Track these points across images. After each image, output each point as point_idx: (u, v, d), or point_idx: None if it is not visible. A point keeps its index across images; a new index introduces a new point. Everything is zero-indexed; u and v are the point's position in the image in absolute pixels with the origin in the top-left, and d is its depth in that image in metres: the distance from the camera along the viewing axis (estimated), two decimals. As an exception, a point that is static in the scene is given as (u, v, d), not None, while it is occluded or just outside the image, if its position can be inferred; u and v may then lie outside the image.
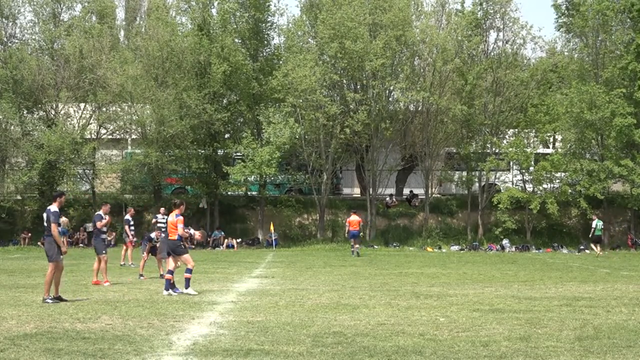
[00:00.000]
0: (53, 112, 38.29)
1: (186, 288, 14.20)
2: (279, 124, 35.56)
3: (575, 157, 37.14)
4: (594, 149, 38.38)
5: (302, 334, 9.38)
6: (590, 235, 33.28)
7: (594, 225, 32.52)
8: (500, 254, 34.28)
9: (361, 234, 30.92)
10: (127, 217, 22.96)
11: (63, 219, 36.44)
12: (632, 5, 36.98)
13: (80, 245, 35.55)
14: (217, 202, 38.90)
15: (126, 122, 38.02)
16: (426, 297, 13.85)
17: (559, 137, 41.97)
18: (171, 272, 14.54)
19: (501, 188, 39.20)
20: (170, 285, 14.52)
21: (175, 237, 14.57)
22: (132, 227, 22.87)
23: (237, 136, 38.36)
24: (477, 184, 39.71)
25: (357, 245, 30.18)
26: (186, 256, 14.58)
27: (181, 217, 14.79)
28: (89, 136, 38.31)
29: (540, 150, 40.20)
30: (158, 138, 35.92)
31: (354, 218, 30.04)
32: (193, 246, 22.04)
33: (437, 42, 37.18)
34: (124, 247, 23.66)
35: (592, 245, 32.90)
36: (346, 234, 31.38)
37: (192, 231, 15.07)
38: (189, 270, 14.36)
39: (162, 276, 17.69)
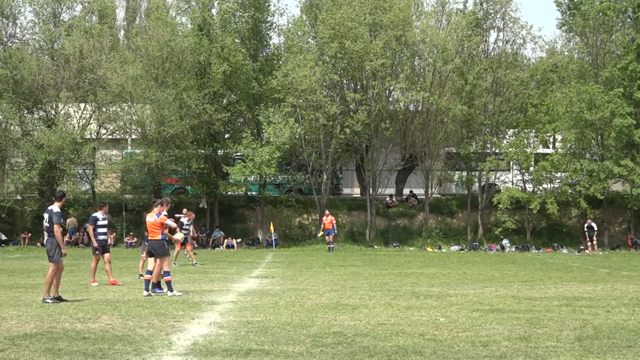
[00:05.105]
0: (53, 112, 38.28)
1: (170, 291, 14.11)
2: (279, 124, 35.55)
3: (575, 157, 37.13)
4: (593, 149, 38.37)
5: (302, 334, 9.38)
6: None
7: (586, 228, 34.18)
8: (500, 254, 34.28)
9: (335, 231, 33.92)
10: (184, 219, 23.37)
11: (71, 219, 36.52)
12: (638, 5, 36.99)
13: (80, 245, 35.55)
14: (217, 202, 38.90)
15: (126, 122, 38.02)
16: (426, 297, 13.85)
17: (558, 137, 41.96)
18: (150, 272, 14.52)
19: (501, 188, 39.21)
20: (155, 285, 14.55)
21: (159, 237, 14.46)
22: (186, 228, 23.29)
23: (237, 136, 38.36)
24: (477, 184, 39.72)
25: (332, 242, 33.25)
26: (167, 258, 14.51)
27: (163, 216, 14.60)
28: (89, 136, 38.30)
29: (540, 150, 40.20)
30: (158, 138, 35.92)
31: (329, 217, 33.53)
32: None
33: (437, 42, 37.18)
34: (185, 247, 23.73)
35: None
36: (321, 231, 34.03)
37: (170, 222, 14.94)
38: (167, 273, 14.26)
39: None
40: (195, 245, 31.94)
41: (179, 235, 15.81)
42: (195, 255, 24.30)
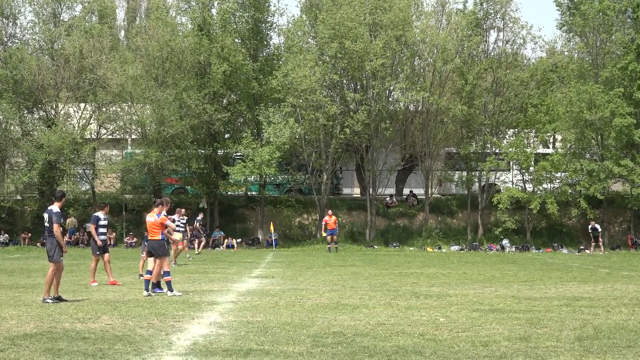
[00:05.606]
0: (53, 112, 38.28)
1: (170, 291, 14.13)
2: (279, 124, 35.56)
3: (575, 157, 37.14)
4: (593, 149, 38.37)
5: (302, 334, 9.38)
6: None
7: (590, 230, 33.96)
8: (500, 254, 34.28)
9: (337, 231, 33.76)
10: (174, 216, 23.43)
11: (71, 219, 36.54)
12: (638, 5, 37.02)
13: (81, 245, 35.55)
14: (217, 202, 38.91)
15: (126, 122, 38.02)
16: (426, 297, 13.84)
17: (559, 137, 41.97)
18: (150, 272, 14.53)
19: (501, 188, 39.21)
20: (155, 285, 14.55)
21: (159, 237, 14.47)
22: (179, 225, 23.53)
23: (237, 136, 38.37)
24: (477, 184, 39.71)
25: (334, 242, 32.87)
26: (167, 258, 14.51)
27: (163, 216, 14.64)
28: (89, 136, 38.30)
29: (540, 150, 40.20)
30: (158, 138, 35.92)
31: (332, 217, 33.28)
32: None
33: (437, 42, 37.18)
34: (173, 248, 23.86)
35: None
36: (323, 232, 33.44)
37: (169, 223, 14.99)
38: (167, 273, 14.27)
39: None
40: (191, 246, 31.96)
41: (177, 235, 15.81)
42: (190, 252, 24.29)
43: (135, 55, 38.13)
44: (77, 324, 10.16)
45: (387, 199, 40.32)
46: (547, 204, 35.95)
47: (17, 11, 39.75)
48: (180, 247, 23.73)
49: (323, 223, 33.58)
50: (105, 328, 9.77)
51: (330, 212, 33.74)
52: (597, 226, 33.75)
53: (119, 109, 37.77)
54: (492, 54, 39.97)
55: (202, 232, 32.00)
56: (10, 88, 37.15)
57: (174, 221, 22.87)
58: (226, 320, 10.59)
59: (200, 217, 32.26)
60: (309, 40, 39.51)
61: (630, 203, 36.96)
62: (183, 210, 25.98)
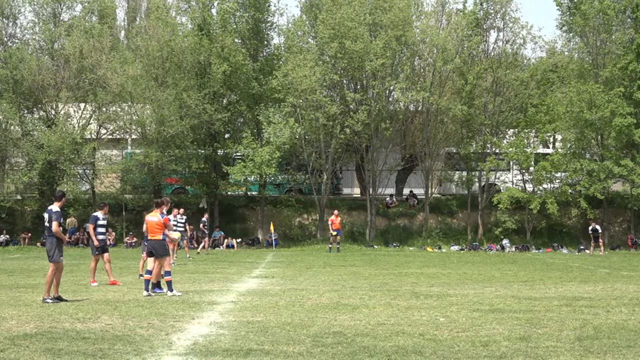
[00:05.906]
0: (53, 112, 38.28)
1: (170, 291, 14.13)
2: (279, 124, 35.57)
3: (575, 157, 37.15)
4: (593, 149, 38.40)
5: (302, 334, 9.38)
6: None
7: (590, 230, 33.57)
8: (500, 254, 34.29)
9: (341, 232, 33.92)
10: (170, 216, 23.44)
11: (71, 219, 36.54)
12: (638, 5, 37.05)
13: (81, 245, 35.55)
14: (217, 202, 38.91)
15: (126, 122, 38.01)
16: (426, 297, 13.84)
17: (559, 137, 41.98)
18: (150, 272, 14.52)
19: (501, 188, 39.22)
20: (154, 285, 14.55)
21: (160, 236, 14.47)
22: (179, 225, 23.99)
23: (237, 136, 38.39)
24: (477, 184, 39.72)
25: (337, 243, 32.95)
26: (168, 258, 14.51)
27: (166, 217, 14.67)
28: (89, 136, 38.30)
29: (540, 150, 40.21)
30: (158, 138, 35.92)
31: (338, 218, 33.25)
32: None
33: (437, 42, 37.19)
34: (172, 247, 23.92)
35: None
36: (332, 231, 33.08)
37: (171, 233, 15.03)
38: (167, 273, 14.27)
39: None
40: (192, 246, 32.00)
41: (175, 234, 15.82)
42: (191, 252, 24.31)
43: (135, 55, 38.14)
44: (77, 324, 10.16)
45: (387, 199, 40.32)
46: (547, 204, 35.96)
47: (17, 11, 39.80)
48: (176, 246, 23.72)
49: (329, 222, 33.38)
50: (105, 328, 9.77)
51: (336, 212, 33.40)
52: (598, 227, 33.67)
53: (119, 109, 37.77)
54: (492, 54, 40.00)
55: (205, 232, 32.07)
56: (10, 88, 37.17)
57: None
58: (226, 320, 10.59)
59: (205, 217, 32.30)
60: (309, 40, 39.54)
61: (630, 203, 36.98)
62: (182, 210, 26.01)
